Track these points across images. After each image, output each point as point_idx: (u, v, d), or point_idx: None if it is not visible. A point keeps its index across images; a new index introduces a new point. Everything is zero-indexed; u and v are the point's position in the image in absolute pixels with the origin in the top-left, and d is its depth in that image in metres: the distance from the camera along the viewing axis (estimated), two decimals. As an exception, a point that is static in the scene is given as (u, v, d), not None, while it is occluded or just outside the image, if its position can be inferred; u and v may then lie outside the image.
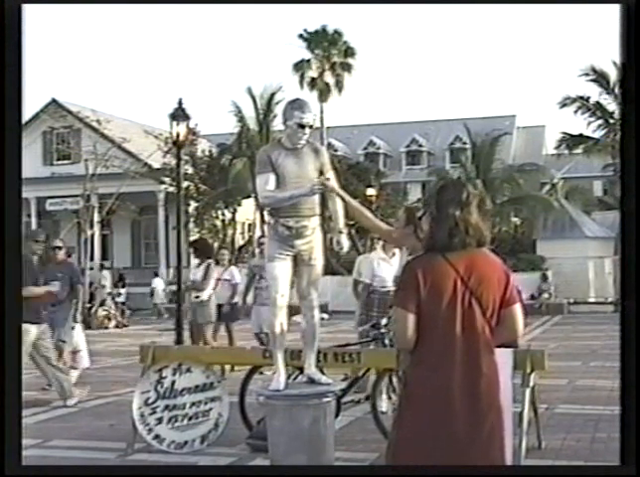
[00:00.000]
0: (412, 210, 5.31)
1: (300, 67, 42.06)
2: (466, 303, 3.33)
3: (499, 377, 3.46)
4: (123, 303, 28.57)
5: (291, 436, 5.47)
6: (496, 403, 3.38)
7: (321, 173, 5.71)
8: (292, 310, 5.86)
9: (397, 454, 3.36)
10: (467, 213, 3.38)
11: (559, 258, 28.52)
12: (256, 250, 11.96)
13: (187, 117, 16.47)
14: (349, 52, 42.29)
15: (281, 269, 5.63)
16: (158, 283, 30.26)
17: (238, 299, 11.72)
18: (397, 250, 8.97)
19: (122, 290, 30.37)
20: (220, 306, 11.38)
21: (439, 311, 3.33)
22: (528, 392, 5.84)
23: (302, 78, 41.97)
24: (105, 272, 30.48)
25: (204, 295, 10.80)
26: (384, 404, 6.62)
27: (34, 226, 34.46)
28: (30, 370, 9.54)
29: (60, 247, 10.48)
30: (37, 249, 9.22)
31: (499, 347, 3.51)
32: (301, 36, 42.27)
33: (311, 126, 5.70)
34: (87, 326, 18.43)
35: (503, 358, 5.87)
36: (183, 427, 6.72)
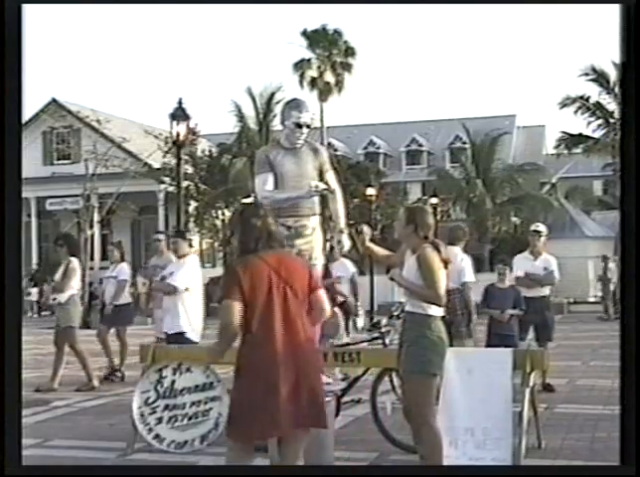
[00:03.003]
0: (413, 209, 5.34)
1: (300, 66, 42.03)
2: (281, 290, 4.13)
3: (315, 345, 4.31)
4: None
5: (291, 436, 5.47)
6: (313, 368, 4.20)
7: (320, 172, 5.72)
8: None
9: (232, 414, 4.18)
10: (266, 223, 4.28)
11: (558, 258, 28.44)
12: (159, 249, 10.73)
13: (187, 117, 16.47)
14: (349, 51, 42.26)
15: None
16: (158, 283, 30.17)
17: (128, 299, 11.09)
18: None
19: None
20: (103, 307, 10.86)
21: (259, 298, 4.09)
22: (527, 391, 5.84)
23: (302, 77, 41.94)
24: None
25: (62, 297, 9.98)
26: (388, 404, 6.61)
27: (34, 226, 34.51)
28: (30, 370, 9.56)
29: None
30: None
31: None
32: (302, 35, 42.26)
33: (309, 126, 5.71)
34: (87, 326, 18.43)
35: (503, 358, 5.92)
36: (183, 427, 6.72)
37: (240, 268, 4.14)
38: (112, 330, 11.08)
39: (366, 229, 5.61)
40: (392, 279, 5.18)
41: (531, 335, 9.38)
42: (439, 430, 4.99)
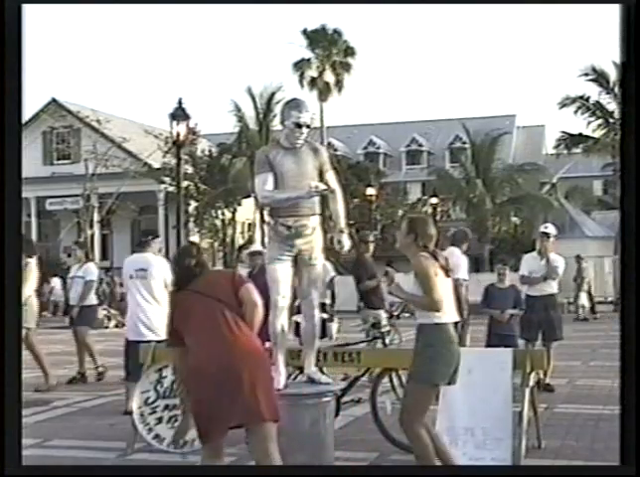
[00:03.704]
0: (414, 219, 5.35)
1: (300, 66, 42.02)
2: (210, 306, 4.54)
3: (252, 341, 4.54)
4: (121, 301, 28.51)
5: (291, 436, 5.46)
6: (254, 364, 4.47)
7: (320, 172, 5.71)
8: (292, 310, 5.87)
9: (195, 420, 4.56)
10: (200, 261, 4.76)
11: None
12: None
13: (187, 117, 16.47)
14: (349, 51, 42.25)
15: (282, 271, 5.63)
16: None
17: (94, 300, 10.84)
18: None
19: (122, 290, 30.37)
20: (68, 308, 10.63)
21: (192, 322, 4.56)
22: (527, 391, 5.84)
23: (302, 77, 41.93)
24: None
25: None
26: (387, 404, 6.61)
27: (34, 225, 34.50)
28: (30, 370, 9.55)
29: None
30: None
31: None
32: (302, 35, 42.25)
33: (309, 126, 5.70)
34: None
35: (503, 358, 5.92)
36: (183, 427, 6.71)
37: (171, 307, 4.76)
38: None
39: (391, 271, 5.65)
40: (390, 293, 5.24)
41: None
42: (424, 437, 5.00)
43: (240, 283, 4.68)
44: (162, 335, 7.72)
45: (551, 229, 9.90)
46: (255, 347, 4.60)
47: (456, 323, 5.33)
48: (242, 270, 12.41)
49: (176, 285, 4.81)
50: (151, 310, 7.99)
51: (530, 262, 9.73)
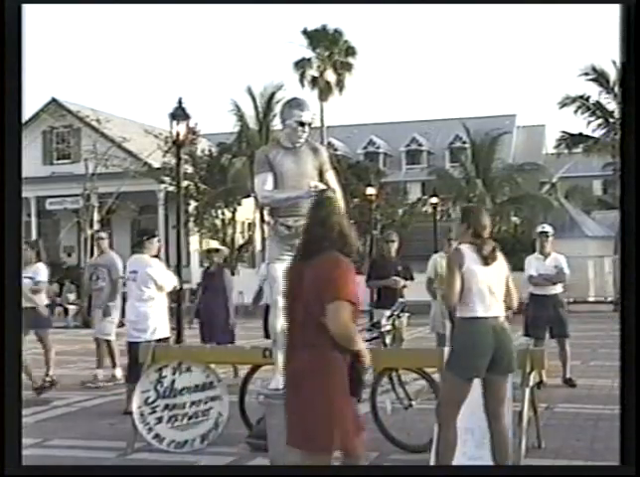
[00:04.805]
0: (467, 209, 5.51)
1: (301, 65, 42.00)
2: None
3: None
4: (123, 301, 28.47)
5: (291, 436, 5.46)
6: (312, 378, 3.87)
7: (320, 172, 5.71)
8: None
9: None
10: None
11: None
12: (95, 248, 10.39)
13: (187, 117, 16.43)
14: (350, 51, 42.22)
15: (282, 271, 5.62)
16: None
17: (44, 301, 10.52)
18: None
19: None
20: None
21: None
22: (527, 391, 5.84)
23: (303, 76, 41.91)
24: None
25: None
26: (387, 404, 6.60)
27: (34, 225, 34.48)
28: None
29: None
30: None
31: None
32: (302, 34, 42.23)
33: (310, 124, 5.70)
34: (87, 325, 18.40)
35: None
36: (183, 427, 6.72)
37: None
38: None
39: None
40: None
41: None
42: (457, 434, 5.02)
43: None
44: (152, 335, 7.78)
45: (548, 228, 10.18)
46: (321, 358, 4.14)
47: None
48: (242, 270, 12.46)
49: None
50: (140, 312, 8.02)
51: (534, 263, 9.92)
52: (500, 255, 5.15)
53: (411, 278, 9.94)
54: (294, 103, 5.72)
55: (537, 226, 11.56)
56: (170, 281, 8.41)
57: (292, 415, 4.05)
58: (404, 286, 9.72)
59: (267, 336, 9.98)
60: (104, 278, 10.66)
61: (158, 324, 8.02)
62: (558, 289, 9.86)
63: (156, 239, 8.39)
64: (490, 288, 5.01)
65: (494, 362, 4.95)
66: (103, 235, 11.21)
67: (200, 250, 31.34)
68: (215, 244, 10.57)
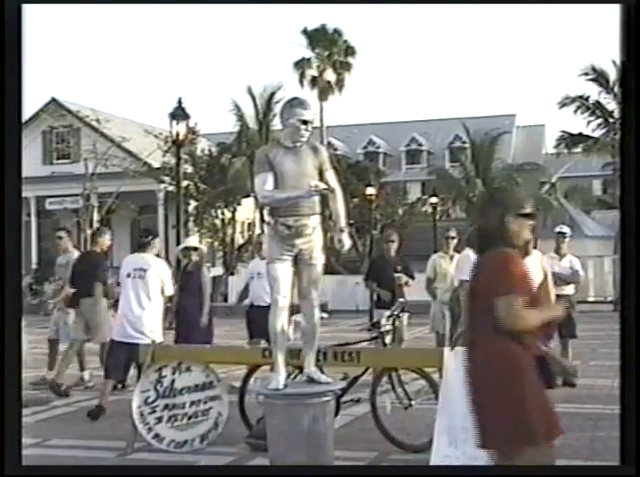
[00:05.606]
0: None
1: (301, 65, 42.01)
2: None
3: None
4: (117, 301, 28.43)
5: (291, 435, 5.47)
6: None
7: (320, 172, 5.71)
8: (292, 309, 5.87)
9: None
10: None
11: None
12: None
13: (187, 116, 16.47)
14: (349, 51, 42.24)
15: (282, 271, 5.63)
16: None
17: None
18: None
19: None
20: None
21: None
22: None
23: (302, 76, 41.92)
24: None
25: None
26: (387, 404, 6.60)
27: (34, 225, 34.48)
28: (30, 370, 9.53)
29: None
30: None
31: None
32: (302, 34, 42.23)
33: (312, 123, 5.71)
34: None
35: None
36: (182, 426, 6.72)
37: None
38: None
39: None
40: None
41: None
42: None
43: None
44: (150, 337, 7.77)
45: (565, 229, 10.49)
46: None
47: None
48: (242, 270, 12.38)
49: None
50: (141, 312, 7.97)
51: (549, 263, 9.96)
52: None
53: (412, 277, 9.94)
54: (296, 102, 5.72)
55: (538, 225, 11.66)
56: (171, 284, 8.42)
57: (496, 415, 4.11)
58: (407, 283, 9.73)
59: (252, 336, 9.74)
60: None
61: (154, 326, 8.00)
62: (570, 290, 10.01)
63: (158, 240, 8.44)
64: None
65: None
66: (62, 233, 11.09)
67: (237, 252, 31.39)
68: (194, 242, 10.35)
